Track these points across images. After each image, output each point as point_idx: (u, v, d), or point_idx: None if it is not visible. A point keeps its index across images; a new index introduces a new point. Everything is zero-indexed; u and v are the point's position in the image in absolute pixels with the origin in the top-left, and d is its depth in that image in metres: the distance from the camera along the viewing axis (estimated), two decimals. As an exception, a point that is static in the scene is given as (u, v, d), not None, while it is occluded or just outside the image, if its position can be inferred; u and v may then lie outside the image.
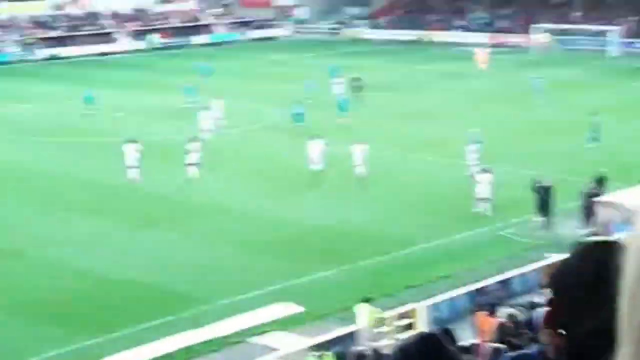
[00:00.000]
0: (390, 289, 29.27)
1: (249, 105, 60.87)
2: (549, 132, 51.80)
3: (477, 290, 27.64)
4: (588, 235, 31.64)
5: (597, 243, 2.73)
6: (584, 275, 2.64)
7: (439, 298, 27.12)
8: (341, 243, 33.83)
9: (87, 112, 58.32)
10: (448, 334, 11.28)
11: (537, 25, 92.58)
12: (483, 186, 37.19)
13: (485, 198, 37.19)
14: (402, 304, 26.97)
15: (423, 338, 4.81)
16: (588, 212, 34.58)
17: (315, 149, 42.60)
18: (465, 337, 21.20)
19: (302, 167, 44.67)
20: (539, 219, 35.29)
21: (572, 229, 34.94)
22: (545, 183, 35.59)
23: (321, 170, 42.20)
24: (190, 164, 42.48)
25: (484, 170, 38.14)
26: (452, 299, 27.07)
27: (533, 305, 20.07)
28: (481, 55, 78.40)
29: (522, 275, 28.98)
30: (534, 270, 29.25)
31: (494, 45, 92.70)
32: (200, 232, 35.16)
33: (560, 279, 2.75)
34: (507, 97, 63.88)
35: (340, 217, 36.86)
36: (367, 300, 25.66)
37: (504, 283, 28.37)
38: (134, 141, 42.97)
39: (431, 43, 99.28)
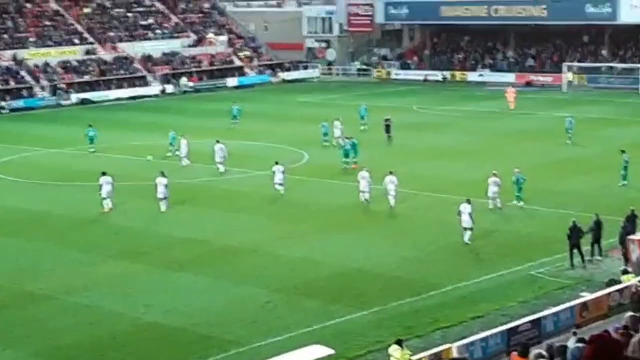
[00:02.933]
0: (421, 330, 29.13)
1: (276, 147, 61.12)
2: (580, 171, 51.59)
3: (509, 330, 27.43)
4: (623, 273, 31.48)
5: None
6: None
7: (471, 338, 26.94)
8: (371, 285, 33.70)
9: (90, 150, 60.74)
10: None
11: (568, 64, 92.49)
12: (465, 216, 37.93)
13: (468, 228, 37.95)
14: (434, 345, 26.83)
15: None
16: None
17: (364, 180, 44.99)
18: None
19: (330, 207, 44.75)
20: (575, 258, 35.09)
21: (604, 268, 34.77)
22: (577, 223, 35.44)
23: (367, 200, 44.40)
24: (160, 199, 44.65)
25: (467, 201, 38.68)
26: (484, 340, 26.87)
27: (564, 346, 19.92)
28: (510, 94, 78.37)
29: (554, 315, 28.72)
30: (566, 309, 29.03)
31: (523, 84, 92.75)
32: (230, 275, 35.16)
33: None
34: (537, 136, 63.71)
35: (370, 258, 36.77)
36: (399, 342, 25.53)
37: (536, 323, 28.12)
38: (105, 173, 45.57)
39: (460, 82, 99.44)
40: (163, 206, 44.67)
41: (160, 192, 44.64)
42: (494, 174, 43.34)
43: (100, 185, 45.00)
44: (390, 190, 44.02)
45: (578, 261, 35.00)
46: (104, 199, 44.78)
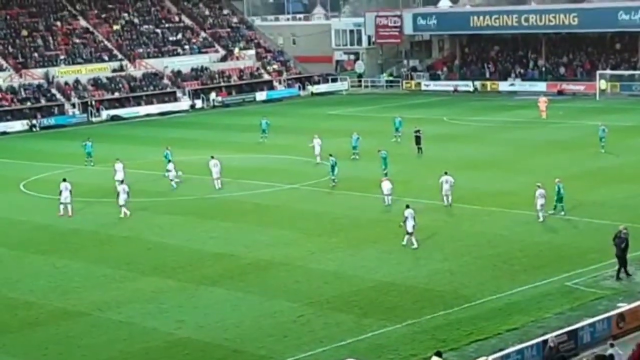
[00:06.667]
0: (456, 343, 28.79)
1: (305, 160, 60.97)
2: (614, 180, 51.06)
3: (545, 342, 27.05)
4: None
5: None
6: None
7: (507, 351, 26.60)
8: (404, 298, 33.40)
9: (86, 164, 63.18)
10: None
11: (600, 72, 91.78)
12: (413, 221, 39.14)
13: (410, 232, 39.07)
14: (469, 358, 26.52)
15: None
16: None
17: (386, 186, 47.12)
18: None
19: (360, 221, 44.52)
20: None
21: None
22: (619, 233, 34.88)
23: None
24: (122, 205, 47.36)
25: (407, 207, 40.05)
26: (520, 352, 26.52)
27: (600, 357, 19.61)
28: (542, 104, 77.86)
29: (591, 326, 28.31)
30: (603, 320, 28.60)
31: (555, 93, 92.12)
32: (262, 289, 34.98)
33: None
34: (569, 145, 63.21)
35: (402, 271, 36.48)
36: (439, 353, 25.29)
37: (572, 334, 27.72)
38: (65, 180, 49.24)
39: (491, 93, 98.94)
40: (127, 212, 47.18)
41: (122, 199, 47.28)
42: (539, 186, 42.82)
43: (60, 191, 48.36)
44: (445, 190, 45.78)
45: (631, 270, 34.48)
46: (61, 203, 48.17)
